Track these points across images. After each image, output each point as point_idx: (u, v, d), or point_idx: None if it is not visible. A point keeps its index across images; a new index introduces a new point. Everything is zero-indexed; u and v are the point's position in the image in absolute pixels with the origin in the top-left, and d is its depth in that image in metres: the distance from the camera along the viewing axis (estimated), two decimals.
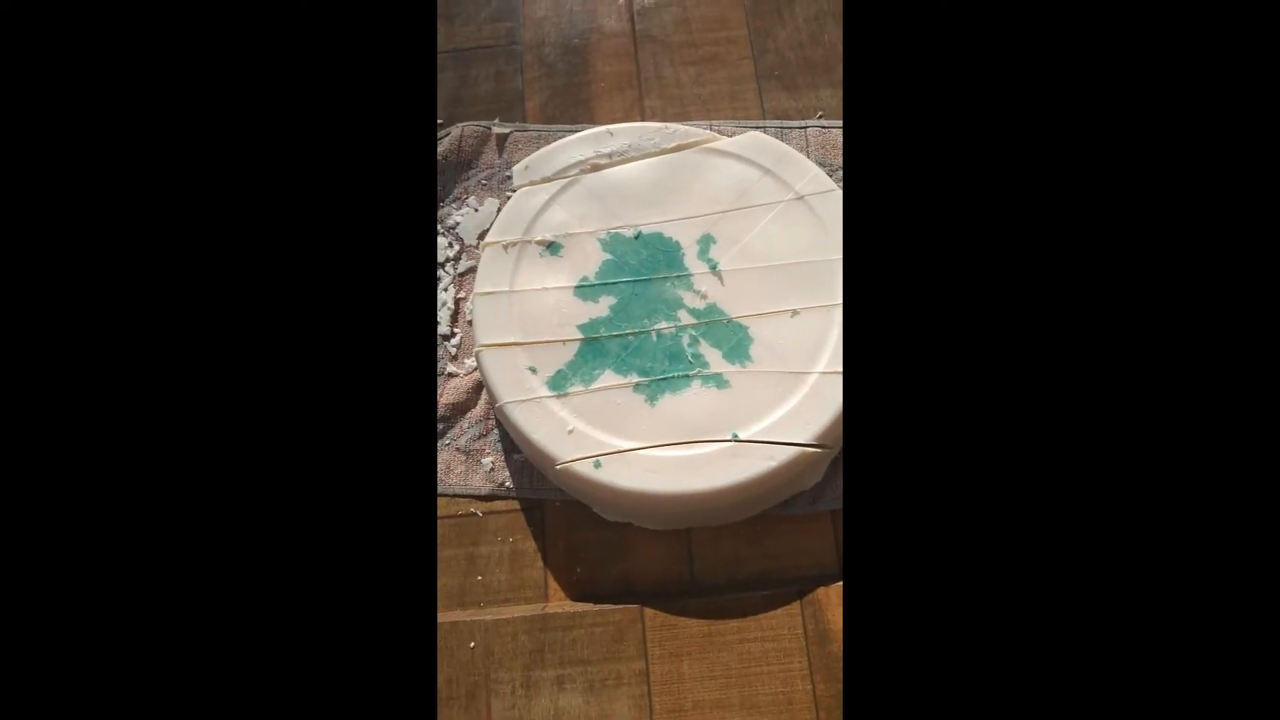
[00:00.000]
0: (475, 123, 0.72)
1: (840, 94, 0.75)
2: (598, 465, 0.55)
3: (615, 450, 0.56)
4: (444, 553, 0.61)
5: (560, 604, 0.59)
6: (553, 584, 0.60)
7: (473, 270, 0.66)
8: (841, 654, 0.56)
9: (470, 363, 0.65)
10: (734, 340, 0.58)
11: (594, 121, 0.73)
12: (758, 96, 0.75)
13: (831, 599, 0.57)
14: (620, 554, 0.61)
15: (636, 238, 0.62)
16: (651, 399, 0.57)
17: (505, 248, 0.62)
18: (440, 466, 0.63)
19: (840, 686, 0.55)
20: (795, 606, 0.57)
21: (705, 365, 0.58)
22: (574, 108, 0.75)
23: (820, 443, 0.55)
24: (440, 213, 0.70)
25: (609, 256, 0.62)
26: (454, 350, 0.66)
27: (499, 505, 0.62)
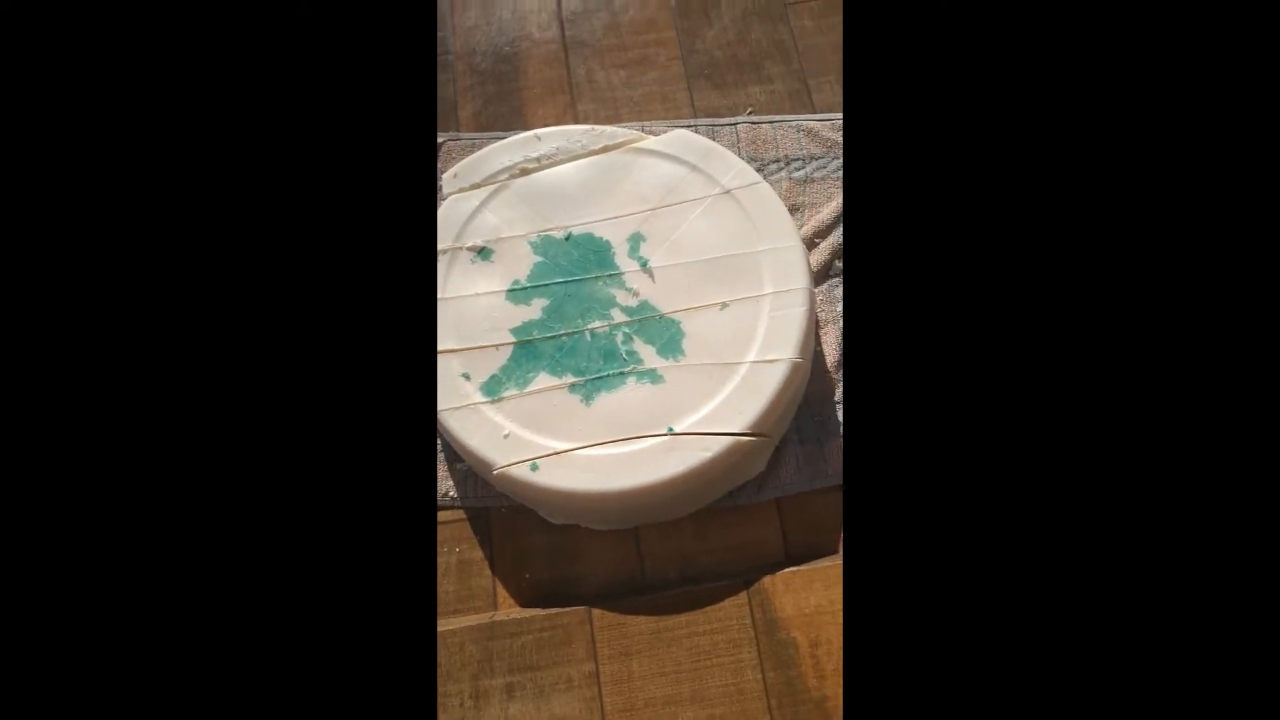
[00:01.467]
0: None
1: (768, 89, 0.75)
2: (535, 468, 0.55)
3: (551, 452, 0.56)
4: None
5: (508, 611, 0.59)
6: (501, 591, 0.60)
7: None
8: (789, 640, 0.56)
9: None
10: (666, 336, 0.58)
11: (527, 128, 0.73)
12: (688, 96, 0.76)
13: (778, 587, 0.57)
14: (570, 557, 0.60)
15: (567, 239, 0.62)
16: (587, 399, 0.57)
17: (436, 256, 0.62)
18: None
19: (790, 673, 0.55)
20: (743, 597, 0.57)
21: (639, 362, 0.58)
22: (507, 115, 0.75)
23: (755, 431, 0.55)
24: None
25: (540, 259, 0.62)
26: None
27: (444, 515, 0.62)
